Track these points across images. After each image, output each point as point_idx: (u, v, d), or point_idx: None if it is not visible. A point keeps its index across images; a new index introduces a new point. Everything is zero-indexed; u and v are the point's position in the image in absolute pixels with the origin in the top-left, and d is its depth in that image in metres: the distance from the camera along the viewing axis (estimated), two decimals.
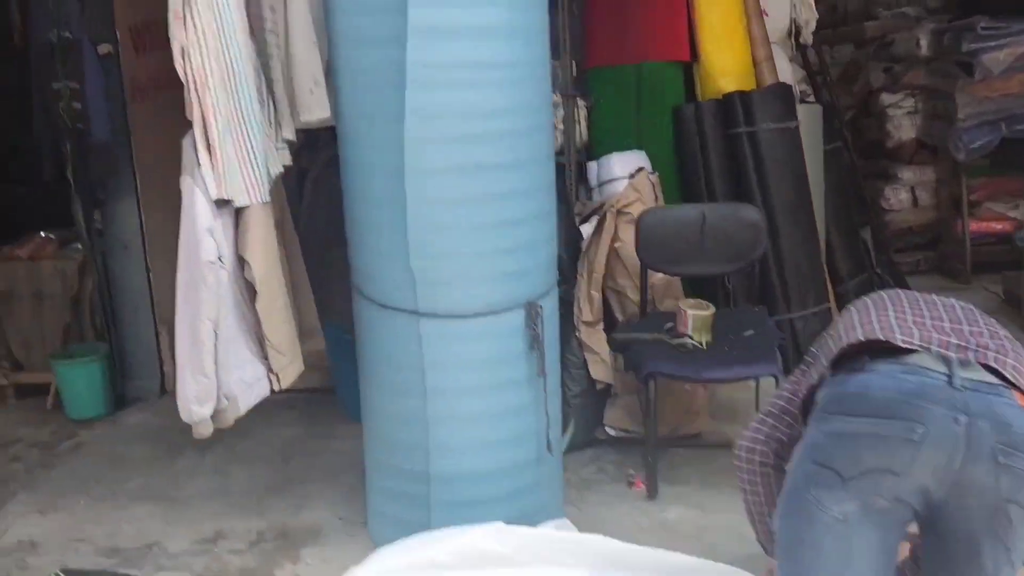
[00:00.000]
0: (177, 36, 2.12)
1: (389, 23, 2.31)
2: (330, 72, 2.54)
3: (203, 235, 2.17)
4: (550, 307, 2.67)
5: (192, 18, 2.12)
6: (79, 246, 4.04)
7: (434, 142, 2.36)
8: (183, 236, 2.24)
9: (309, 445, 3.45)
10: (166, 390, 4.02)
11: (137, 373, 3.98)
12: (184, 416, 2.34)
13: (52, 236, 4.10)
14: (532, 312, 2.56)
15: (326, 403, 3.66)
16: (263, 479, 3.19)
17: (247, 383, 2.40)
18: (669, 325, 3.07)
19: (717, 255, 3.20)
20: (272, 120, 2.50)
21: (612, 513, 2.88)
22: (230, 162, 2.23)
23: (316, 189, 3.11)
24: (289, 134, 2.55)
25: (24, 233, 4.99)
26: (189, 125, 4.20)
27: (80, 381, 3.82)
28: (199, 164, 2.18)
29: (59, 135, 3.73)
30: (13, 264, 4.04)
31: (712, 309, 3.06)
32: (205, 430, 2.37)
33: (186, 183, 2.21)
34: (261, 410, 3.90)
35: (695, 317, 3.01)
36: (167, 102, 4.04)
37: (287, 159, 2.56)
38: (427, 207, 2.40)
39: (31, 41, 3.73)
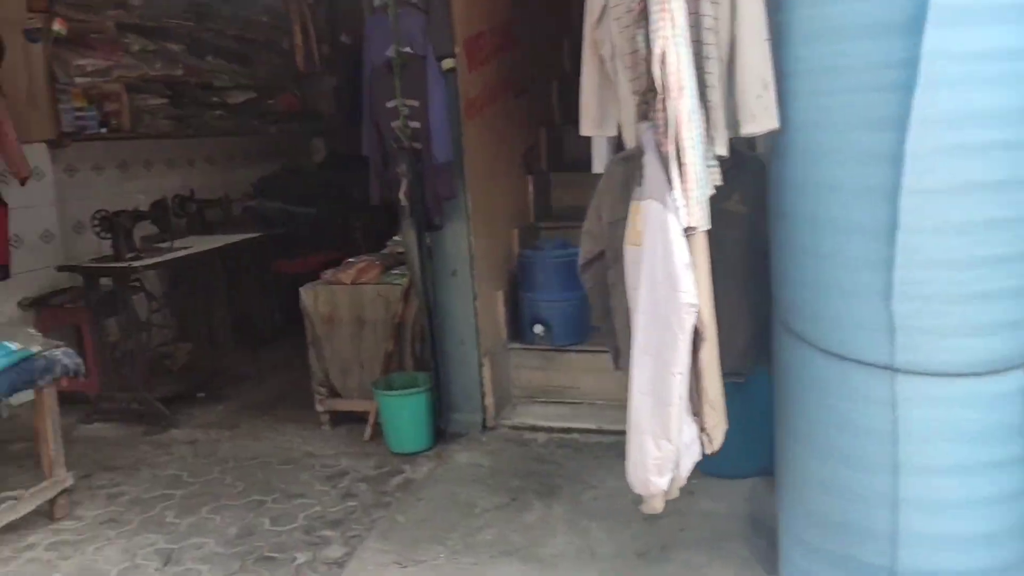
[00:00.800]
0: (661, 34, 1.75)
1: (880, 7, 1.87)
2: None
3: (682, 272, 1.79)
4: None
5: (671, 12, 1.76)
6: (398, 271, 3.90)
7: (943, 154, 1.86)
8: (650, 272, 1.87)
9: (668, 502, 3.02)
10: (487, 426, 3.79)
11: (460, 406, 3.75)
12: (639, 488, 1.98)
13: (376, 260, 3.96)
14: None
15: None
16: (629, 541, 2.81)
17: (686, 445, 2.00)
18: None
19: None
20: (705, 132, 2.09)
21: None
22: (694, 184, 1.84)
23: None
24: (722, 149, 2.14)
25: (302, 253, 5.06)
26: (507, 143, 3.95)
27: (404, 413, 3.63)
28: (671, 187, 1.81)
29: (390, 156, 3.57)
30: (335, 288, 3.94)
31: None
32: (660, 504, 2.00)
33: (655, 210, 1.84)
34: (592, 454, 3.56)
35: None
36: (488, 119, 3.85)
37: (717, 178, 2.15)
38: (923, 235, 1.91)
39: (364, 59, 3.58)
